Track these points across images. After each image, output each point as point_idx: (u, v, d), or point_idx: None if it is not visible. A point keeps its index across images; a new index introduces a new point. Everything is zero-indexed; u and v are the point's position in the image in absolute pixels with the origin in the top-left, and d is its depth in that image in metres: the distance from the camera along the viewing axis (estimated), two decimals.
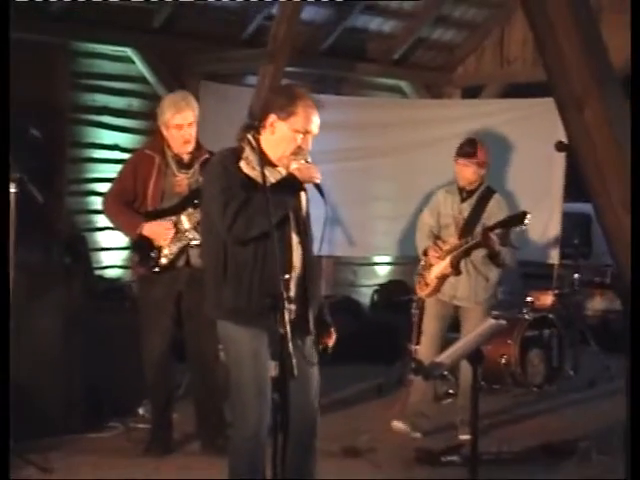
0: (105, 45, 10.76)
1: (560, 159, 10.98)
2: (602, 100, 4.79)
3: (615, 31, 9.10)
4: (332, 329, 5.27)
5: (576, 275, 10.40)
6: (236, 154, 5.09)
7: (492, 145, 10.46)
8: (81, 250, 9.89)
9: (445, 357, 5.01)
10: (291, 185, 4.97)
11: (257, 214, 4.83)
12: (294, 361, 4.42)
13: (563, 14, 4.74)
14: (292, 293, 4.94)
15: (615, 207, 4.79)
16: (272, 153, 5.02)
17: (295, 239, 5.04)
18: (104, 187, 10.60)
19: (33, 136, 7.39)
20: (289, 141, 4.98)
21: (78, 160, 10.82)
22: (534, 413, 8.65)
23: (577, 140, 4.94)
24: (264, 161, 4.92)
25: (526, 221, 7.30)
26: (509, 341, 8.99)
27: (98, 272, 10.12)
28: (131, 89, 11.12)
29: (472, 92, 13.08)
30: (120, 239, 10.27)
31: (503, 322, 5.15)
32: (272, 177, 4.94)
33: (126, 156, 10.74)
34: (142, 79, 11.00)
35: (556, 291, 10.20)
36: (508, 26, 12.57)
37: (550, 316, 9.74)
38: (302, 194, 5.11)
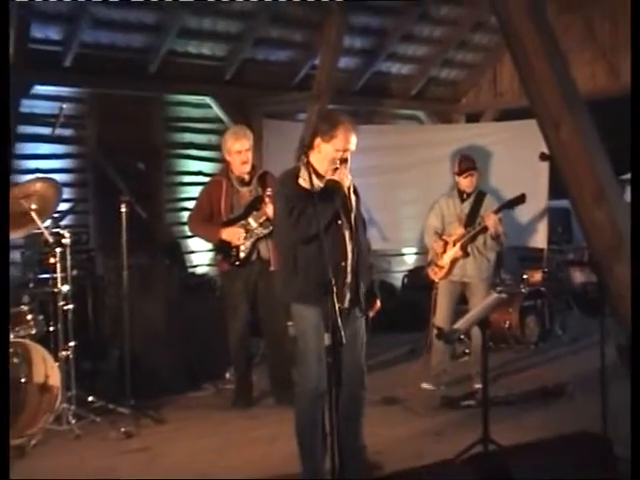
0: (189, 95, 10.84)
1: (544, 166, 10.90)
2: (573, 120, 4.80)
3: (580, 67, 9.07)
4: (377, 300, 5.31)
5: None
6: (294, 173, 5.15)
7: (490, 157, 10.55)
8: (177, 253, 9.97)
9: (460, 324, 5.05)
10: (332, 188, 4.99)
11: (313, 216, 4.88)
12: (342, 332, 4.44)
13: (540, 55, 4.76)
14: (348, 276, 5.01)
15: (587, 202, 4.81)
16: (320, 168, 5.06)
17: (347, 234, 5.06)
18: (192, 204, 10.80)
19: (139, 168, 7.42)
20: (332, 158, 5.01)
21: (172, 184, 10.89)
22: (531, 365, 8.64)
23: (556, 152, 4.95)
24: (314, 174, 4.97)
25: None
26: (510, 310, 9.04)
27: (190, 270, 10.18)
28: (210, 128, 11.15)
29: (473, 118, 13.03)
30: (204, 245, 10.38)
31: (504, 296, 5.19)
32: (322, 187, 4.99)
33: (208, 180, 10.94)
34: (218, 120, 11.04)
35: (545, 269, 10.19)
36: (499, 66, 12.53)
37: (542, 289, 9.78)
38: (352, 197, 5.11)
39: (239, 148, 7.00)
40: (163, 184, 10.74)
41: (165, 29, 9.77)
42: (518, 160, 10.61)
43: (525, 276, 9.72)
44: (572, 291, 11.27)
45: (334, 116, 5.27)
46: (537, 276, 9.92)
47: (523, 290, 9.43)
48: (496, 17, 5.27)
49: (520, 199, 7.63)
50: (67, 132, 9.68)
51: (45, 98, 9.53)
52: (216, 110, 10.96)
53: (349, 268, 5.04)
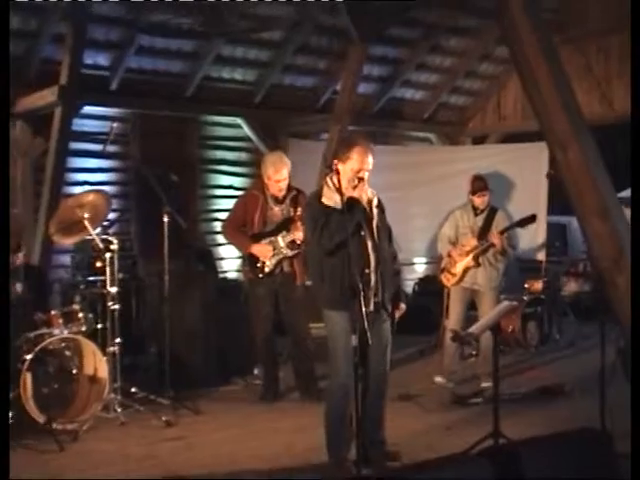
0: (222, 116, 10.92)
1: (543, 185, 10.99)
2: (579, 143, 4.86)
3: (582, 93, 9.04)
4: (402, 305, 5.33)
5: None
6: (318, 193, 5.18)
7: (494, 176, 10.53)
8: (209, 260, 10.02)
9: (475, 329, 5.06)
10: (352, 204, 4.98)
11: (335, 230, 4.92)
12: (369, 334, 4.48)
13: (547, 84, 4.81)
14: (372, 282, 5.00)
15: (591, 217, 4.85)
16: (342, 186, 4.96)
17: (370, 244, 5.07)
18: (223, 215, 10.84)
19: (172, 180, 7.46)
20: (350, 177, 5.00)
21: (205, 197, 10.97)
22: (532, 366, 8.61)
23: (563, 171, 5.01)
24: (336, 193, 4.94)
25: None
26: (513, 316, 9.00)
27: (221, 275, 10.22)
28: (240, 146, 11.28)
29: (479, 140, 13.07)
30: (234, 253, 10.43)
31: (515, 303, 5.18)
32: (344, 203, 4.92)
33: (237, 193, 10.97)
34: (247, 139, 11.15)
35: (544, 279, 10.17)
36: (503, 93, 12.61)
37: (541, 297, 9.76)
38: (374, 211, 5.14)
39: (278, 178, 6.97)
40: (197, 196, 10.84)
41: (201, 56, 9.91)
42: (520, 179, 10.60)
43: (526, 285, 9.74)
44: (567, 299, 11.24)
45: (351, 139, 5.29)
46: (537, 285, 9.90)
47: (525, 298, 9.44)
48: (509, 50, 5.32)
49: (530, 219, 7.61)
50: (112, 148, 9.75)
51: (93, 117, 9.64)
52: (246, 130, 11.06)
53: (373, 275, 5.05)
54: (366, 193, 5.10)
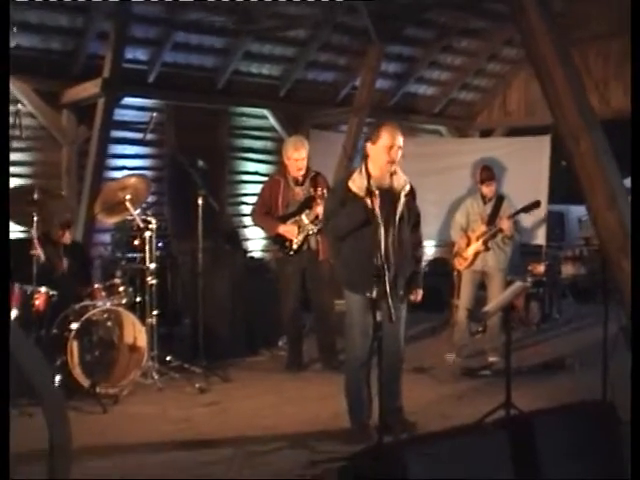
0: (250, 108, 10.84)
1: (545, 175, 10.93)
2: (591, 136, 4.79)
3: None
4: (417, 290, 5.19)
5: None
6: (346, 177, 5.08)
7: (499, 167, 10.45)
8: (236, 240, 9.98)
9: (490, 307, 5.00)
10: (384, 192, 4.84)
11: (353, 216, 4.82)
12: (393, 311, 4.43)
13: (561, 80, 4.74)
14: (387, 267, 4.68)
15: (601, 206, 4.79)
16: (373, 169, 4.87)
17: (390, 230, 4.90)
18: (250, 199, 10.81)
19: (200, 166, 7.39)
20: (381, 156, 4.86)
21: (233, 182, 10.91)
22: (535, 342, 8.58)
23: (576, 163, 4.94)
24: (368, 179, 4.74)
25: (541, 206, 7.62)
26: (519, 296, 8.94)
27: (248, 255, 10.15)
28: (266, 135, 11.17)
29: (486, 133, 12.94)
30: (258, 234, 10.41)
31: (528, 284, 5.10)
32: (373, 187, 4.73)
33: (263, 179, 10.89)
34: (273, 129, 11.07)
35: (546, 262, 10.11)
36: (509, 91, 12.46)
37: (543, 279, 9.71)
38: (402, 199, 4.96)
39: (297, 157, 6.97)
40: (226, 182, 10.76)
41: (232, 52, 9.84)
42: (523, 169, 10.50)
43: (529, 268, 9.67)
44: (565, 281, 11.19)
45: (380, 124, 5.08)
46: (539, 268, 9.85)
47: (528, 280, 9.33)
48: (526, 50, 5.24)
49: (535, 204, 7.57)
50: (150, 136, 9.75)
51: (132, 108, 9.60)
52: (272, 121, 10.98)
53: (387, 260, 4.74)
54: (398, 179, 4.95)
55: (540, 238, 10.69)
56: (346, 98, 11.20)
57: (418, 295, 5.21)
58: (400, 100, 11.93)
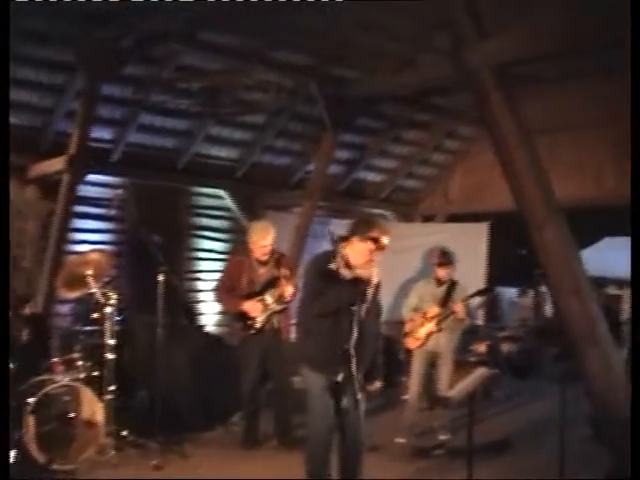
0: (208, 188, 10.69)
1: (482, 259, 10.98)
2: (554, 224, 4.70)
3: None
4: (376, 383, 4.96)
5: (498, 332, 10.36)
6: (327, 257, 4.82)
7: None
8: (192, 315, 9.68)
9: (456, 393, 4.77)
10: (357, 282, 4.67)
11: (333, 298, 4.64)
12: (359, 396, 4.19)
13: (526, 172, 4.67)
14: (351, 353, 4.51)
15: (565, 294, 4.66)
16: (352, 260, 4.72)
17: (357, 318, 4.63)
18: (205, 275, 10.56)
19: (155, 241, 7.12)
20: (364, 254, 4.69)
21: (190, 259, 10.66)
22: (479, 419, 8.25)
23: (539, 249, 4.83)
24: (345, 264, 4.65)
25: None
26: (462, 374, 8.74)
27: (203, 329, 9.80)
28: (222, 215, 11.00)
29: (428, 219, 12.98)
30: (213, 309, 10.13)
31: (495, 370, 4.87)
32: (348, 275, 4.67)
33: (219, 256, 10.73)
34: (229, 209, 10.91)
35: (487, 342, 10.00)
36: (450, 180, 12.55)
37: (484, 358, 9.56)
38: (371, 290, 4.69)
39: (263, 244, 6.80)
40: (183, 258, 10.51)
41: (194, 135, 9.73)
42: (462, 253, 10.35)
43: (472, 347, 9.53)
44: (504, 359, 11.11)
45: (372, 219, 4.95)
46: (481, 348, 9.72)
47: (472, 359, 9.23)
48: (492, 139, 5.14)
49: (486, 291, 7.77)
50: (110, 212, 9.50)
51: (95, 184, 9.37)
52: (228, 201, 10.82)
53: (352, 348, 4.52)
54: (371, 270, 4.70)
55: (479, 318, 10.65)
56: (300, 182, 11.13)
57: (376, 386, 4.97)
58: (350, 185, 11.92)
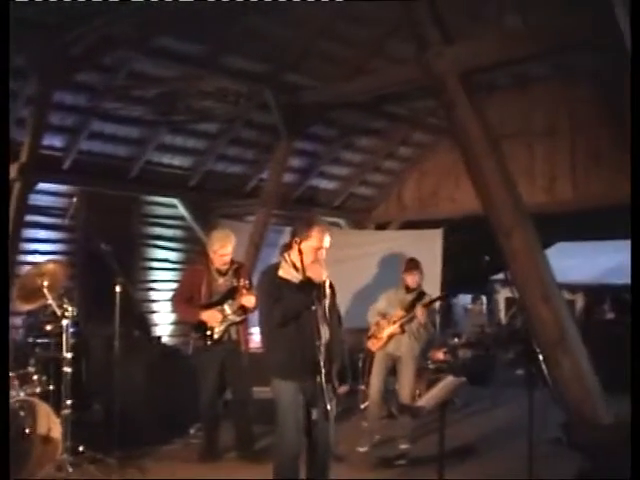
0: (160, 197, 10.49)
1: (437, 266, 10.97)
2: (522, 231, 4.65)
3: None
4: (343, 386, 4.86)
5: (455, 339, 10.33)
6: (275, 266, 4.80)
7: (393, 257, 10.38)
8: (146, 325, 9.47)
9: (426, 402, 4.65)
10: (308, 281, 4.59)
11: (289, 303, 4.54)
12: (329, 406, 4.08)
13: (495, 180, 4.62)
14: (322, 356, 4.44)
15: (534, 301, 4.61)
16: (298, 263, 4.63)
17: (320, 319, 4.54)
18: (159, 285, 10.35)
19: (105, 250, 6.89)
20: (310, 254, 4.64)
21: (143, 268, 10.43)
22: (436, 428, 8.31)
23: (507, 256, 4.78)
24: (293, 268, 4.61)
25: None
26: (420, 382, 8.67)
27: (156, 339, 9.58)
28: (175, 224, 10.82)
29: (382, 226, 12.94)
30: (167, 319, 9.94)
31: (463, 379, 4.79)
32: (299, 279, 4.60)
33: (172, 266, 10.53)
34: (182, 218, 10.72)
35: (444, 349, 9.97)
36: (403, 187, 12.53)
37: (443, 365, 9.53)
38: (327, 290, 4.69)
39: (223, 252, 6.62)
40: (137, 268, 10.28)
41: (146, 143, 9.52)
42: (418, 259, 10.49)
43: (429, 354, 9.48)
44: (460, 366, 11.09)
45: (310, 219, 4.89)
46: (439, 355, 9.69)
47: (431, 366, 9.19)
48: (460, 148, 5.09)
49: (443, 297, 7.97)
50: (61, 221, 9.23)
51: (46, 193, 9.11)
52: (181, 210, 10.63)
53: (322, 348, 4.49)
54: (322, 273, 4.70)
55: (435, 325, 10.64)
56: (253, 190, 11.00)
57: (343, 390, 4.87)
58: (303, 193, 11.84)
